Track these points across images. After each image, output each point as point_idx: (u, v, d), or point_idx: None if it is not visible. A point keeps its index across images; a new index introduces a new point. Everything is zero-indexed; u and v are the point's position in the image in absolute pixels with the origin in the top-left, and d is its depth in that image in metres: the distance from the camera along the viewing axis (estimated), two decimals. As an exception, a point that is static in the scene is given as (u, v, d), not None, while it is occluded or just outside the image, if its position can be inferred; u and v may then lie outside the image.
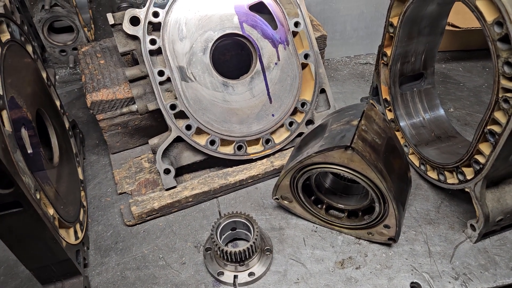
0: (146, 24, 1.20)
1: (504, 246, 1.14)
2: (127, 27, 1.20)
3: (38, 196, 0.90)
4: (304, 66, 1.35)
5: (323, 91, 1.39)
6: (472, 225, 1.13)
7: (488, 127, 0.98)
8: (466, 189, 1.11)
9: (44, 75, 1.22)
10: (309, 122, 1.37)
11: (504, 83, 0.89)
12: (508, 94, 0.89)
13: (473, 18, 0.93)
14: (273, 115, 1.32)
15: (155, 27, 1.22)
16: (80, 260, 1.08)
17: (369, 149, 1.00)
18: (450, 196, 1.27)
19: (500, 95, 0.91)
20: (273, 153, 1.35)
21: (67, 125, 1.32)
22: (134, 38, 1.22)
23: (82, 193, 1.27)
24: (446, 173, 1.20)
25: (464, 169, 1.11)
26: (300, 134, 1.35)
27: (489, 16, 0.88)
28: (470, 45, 1.86)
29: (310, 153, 1.04)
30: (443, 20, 1.26)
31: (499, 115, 0.94)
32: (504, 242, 1.15)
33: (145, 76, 1.25)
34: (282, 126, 1.34)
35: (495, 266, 1.09)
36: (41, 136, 1.13)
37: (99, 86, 1.31)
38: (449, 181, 1.19)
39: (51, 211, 0.97)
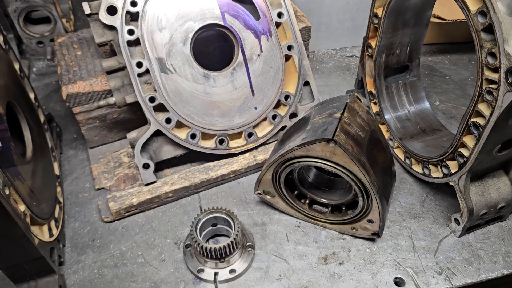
0: (124, 13, 1.16)
1: (488, 240, 1.13)
2: (104, 17, 1.15)
3: (7, 192, 0.86)
4: (287, 57, 1.32)
5: (307, 83, 1.36)
6: (456, 219, 1.12)
7: (472, 120, 0.96)
8: (451, 183, 1.10)
9: (16, 66, 1.17)
10: (293, 115, 1.34)
11: (488, 74, 0.87)
12: (492, 86, 0.87)
13: (459, 10, 0.90)
14: (255, 108, 1.29)
15: (133, 17, 1.18)
16: (54, 258, 1.04)
17: (352, 142, 0.97)
18: (435, 190, 1.26)
19: (484, 87, 0.89)
20: (256, 147, 1.32)
21: (42, 118, 1.28)
22: (112, 28, 1.18)
23: (58, 189, 1.23)
24: (430, 166, 1.18)
25: (448, 162, 1.10)
26: (283, 128, 1.32)
27: (473, 5, 0.86)
28: (456, 38, 1.84)
29: (292, 146, 1.01)
30: (428, 11, 1.23)
31: (483, 107, 0.92)
32: (488, 236, 1.14)
33: (123, 68, 1.21)
34: (265, 119, 1.31)
35: (479, 261, 1.08)
36: (13, 130, 1.08)
37: (75, 78, 1.26)
38: (433, 174, 1.17)
39: (22, 207, 0.93)
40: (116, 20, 1.16)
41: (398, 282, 1.05)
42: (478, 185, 1.08)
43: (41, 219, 1.03)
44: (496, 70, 0.86)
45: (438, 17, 1.70)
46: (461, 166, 1.04)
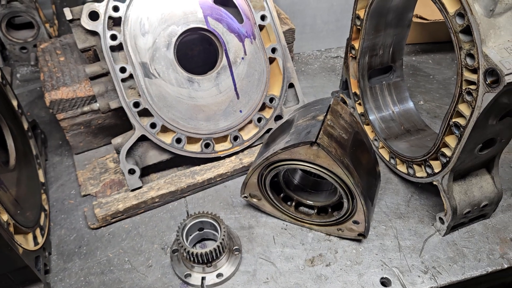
0: (106, 19, 1.16)
1: (472, 238, 1.14)
2: (86, 22, 1.15)
3: (-12, 202, 0.85)
4: (271, 60, 1.33)
5: (291, 85, 1.37)
6: (440, 218, 1.13)
7: (453, 120, 0.97)
8: (434, 182, 1.11)
9: (-3, 73, 1.16)
10: (278, 117, 1.35)
11: (467, 75, 0.88)
12: (471, 86, 0.88)
13: (440, 10, 0.91)
14: (240, 111, 1.29)
15: (115, 22, 1.18)
16: (40, 266, 1.03)
17: (335, 144, 0.98)
18: (419, 189, 1.27)
19: (463, 88, 0.91)
20: (242, 150, 1.32)
21: (26, 125, 1.26)
22: (94, 33, 1.17)
23: (44, 196, 1.22)
24: (415, 166, 1.19)
25: (431, 162, 1.11)
26: (269, 130, 1.33)
27: (451, 7, 0.87)
28: (439, 38, 1.86)
29: (276, 149, 1.01)
30: (409, 13, 1.25)
31: (463, 108, 0.93)
32: (472, 234, 1.15)
33: (106, 73, 1.20)
34: (250, 122, 1.32)
35: (464, 259, 1.10)
36: (-5, 138, 1.08)
37: (59, 84, 1.26)
38: (418, 174, 1.18)
39: (4, 217, 0.92)
40: (98, 26, 1.15)
41: (385, 282, 1.06)
42: (461, 184, 1.09)
43: (26, 227, 1.02)
44: (475, 71, 0.87)
45: (421, 17, 1.72)
46: (444, 165, 1.05)
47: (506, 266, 1.08)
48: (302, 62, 1.82)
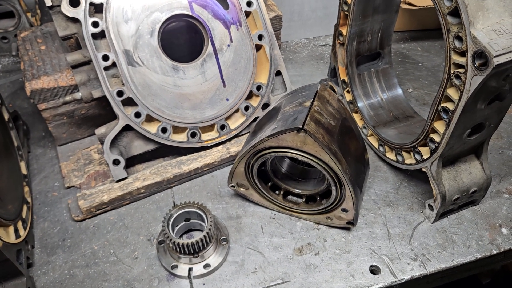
0: (87, 5, 1.12)
1: (461, 224, 1.14)
2: (66, 9, 1.11)
3: (-35, 194, 0.82)
4: (258, 47, 1.30)
5: (279, 73, 1.35)
6: (430, 205, 1.12)
7: (442, 105, 0.96)
8: (423, 169, 1.10)
9: (-25, 62, 1.12)
10: (266, 105, 1.32)
11: (456, 58, 0.87)
12: (460, 70, 0.87)
13: (427, -5, 0.90)
14: (227, 99, 1.27)
15: (97, 9, 1.14)
16: (22, 260, 1.01)
17: (323, 130, 0.96)
18: (409, 177, 1.26)
19: (452, 71, 0.89)
20: (229, 139, 1.30)
21: (6, 116, 1.23)
22: (75, 20, 1.14)
23: (26, 189, 1.20)
24: (403, 153, 1.18)
25: (420, 148, 1.10)
26: (256, 119, 1.30)
27: (439, -12, 0.85)
28: (428, 25, 1.85)
29: (263, 137, 0.99)
30: (397, -3, 1.23)
31: (451, 92, 0.92)
32: (462, 221, 1.15)
33: (88, 62, 1.17)
34: (237, 110, 1.29)
35: (453, 245, 1.09)
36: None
37: (39, 73, 1.22)
38: (406, 161, 1.17)
39: (-17, 209, 0.89)
40: (79, 12, 1.12)
41: (374, 270, 1.05)
42: (450, 170, 1.08)
43: (7, 220, 0.99)
44: (463, 54, 0.85)
45: (409, 3, 1.70)
46: (432, 151, 1.04)
47: (495, 252, 1.08)
48: (290, 50, 1.79)
